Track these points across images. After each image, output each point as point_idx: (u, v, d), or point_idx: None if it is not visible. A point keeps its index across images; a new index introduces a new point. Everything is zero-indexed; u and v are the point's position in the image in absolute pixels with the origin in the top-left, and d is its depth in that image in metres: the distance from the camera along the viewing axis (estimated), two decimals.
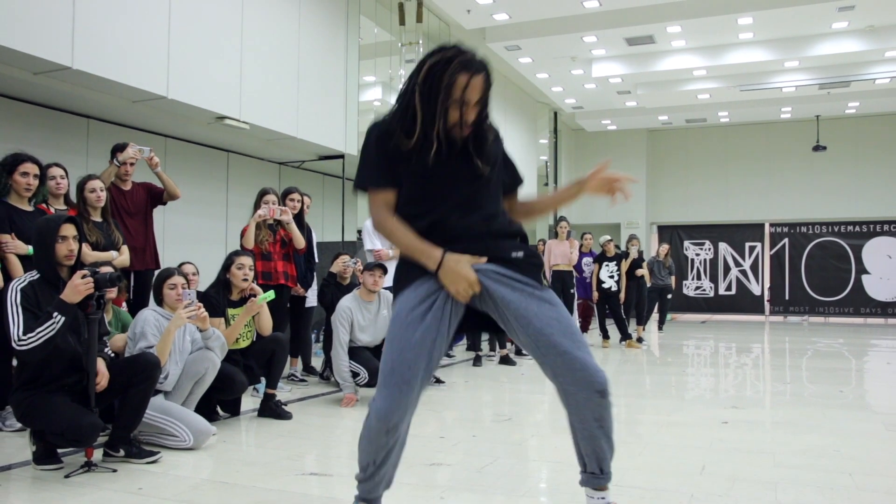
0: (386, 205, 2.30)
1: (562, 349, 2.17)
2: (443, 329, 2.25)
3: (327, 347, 5.83)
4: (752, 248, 18.39)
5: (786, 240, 17.94)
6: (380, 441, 2.22)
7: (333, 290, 6.12)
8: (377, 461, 2.26)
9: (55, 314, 3.11)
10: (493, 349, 8.41)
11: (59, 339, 3.14)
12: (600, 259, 9.97)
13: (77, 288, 3.16)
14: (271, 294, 4.71)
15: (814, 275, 17.62)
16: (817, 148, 17.12)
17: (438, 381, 6.14)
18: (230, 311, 4.71)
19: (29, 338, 3.08)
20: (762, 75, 14.05)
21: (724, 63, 13.14)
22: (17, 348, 3.08)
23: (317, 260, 6.85)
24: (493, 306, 2.28)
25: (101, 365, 3.37)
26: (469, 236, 2.27)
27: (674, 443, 4.06)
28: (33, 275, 3.30)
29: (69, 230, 3.33)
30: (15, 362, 4.32)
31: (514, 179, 2.50)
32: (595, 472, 2.30)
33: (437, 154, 2.24)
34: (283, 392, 5.50)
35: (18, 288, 3.19)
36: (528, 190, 2.54)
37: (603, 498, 2.31)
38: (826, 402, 5.54)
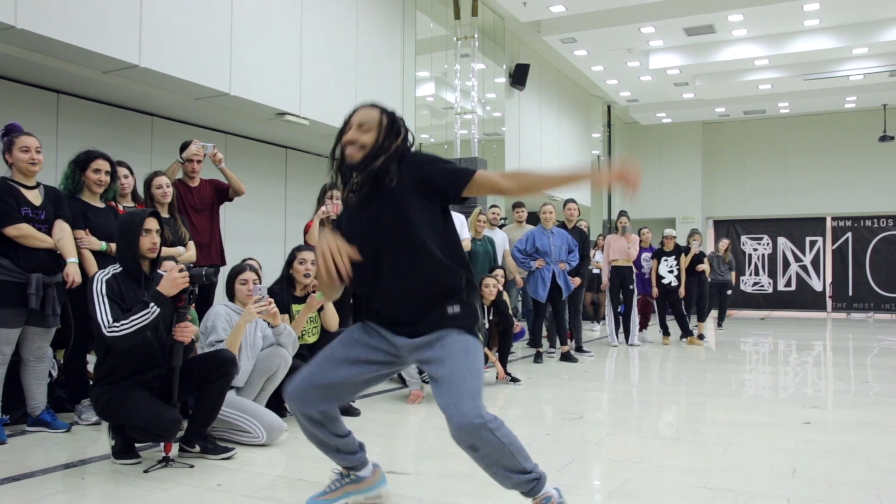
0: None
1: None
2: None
3: None
4: (812, 243, 17.85)
5: (849, 234, 17.37)
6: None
7: None
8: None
9: (151, 304, 3.12)
10: (553, 346, 8.27)
11: (148, 330, 3.15)
12: (659, 254, 9.75)
13: (175, 281, 3.20)
14: None
15: (879, 270, 17.03)
16: (884, 138, 16.46)
17: (514, 379, 6.07)
18: (294, 307, 4.69)
19: (122, 324, 3.09)
20: (828, 63, 13.56)
21: (788, 52, 12.71)
22: (108, 335, 3.09)
23: None
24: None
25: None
26: None
27: (758, 444, 3.89)
28: (116, 267, 3.33)
29: (153, 224, 3.38)
30: (89, 357, 4.40)
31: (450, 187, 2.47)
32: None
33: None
34: None
35: (104, 279, 3.22)
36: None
37: None
38: None
